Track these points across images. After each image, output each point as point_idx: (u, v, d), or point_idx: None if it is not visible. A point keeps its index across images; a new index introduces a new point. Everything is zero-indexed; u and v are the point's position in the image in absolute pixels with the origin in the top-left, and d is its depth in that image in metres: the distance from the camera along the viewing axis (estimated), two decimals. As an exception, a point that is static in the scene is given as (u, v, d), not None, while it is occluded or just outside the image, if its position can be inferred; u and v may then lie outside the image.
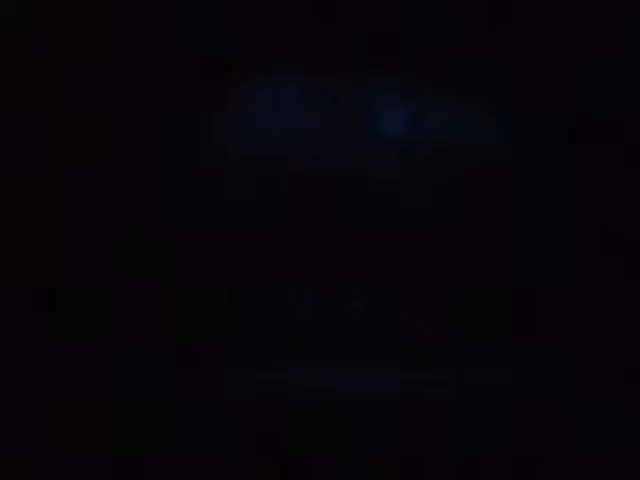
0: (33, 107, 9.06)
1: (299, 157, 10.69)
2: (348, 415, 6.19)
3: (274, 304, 10.49)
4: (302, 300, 10.40)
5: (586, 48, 8.92)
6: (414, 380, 8.57)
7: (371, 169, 10.72)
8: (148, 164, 10.23)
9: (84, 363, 8.60)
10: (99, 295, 9.20)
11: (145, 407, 6.68)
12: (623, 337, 8.92)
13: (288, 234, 10.76)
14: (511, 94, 10.04)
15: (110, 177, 9.72)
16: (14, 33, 8.77)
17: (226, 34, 9.23)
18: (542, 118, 9.94)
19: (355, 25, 8.99)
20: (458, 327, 10.05)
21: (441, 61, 9.81)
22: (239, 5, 8.97)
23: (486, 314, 10.12)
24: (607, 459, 5.13)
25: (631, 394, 7.12)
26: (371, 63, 10.04)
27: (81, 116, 9.41)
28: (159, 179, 10.26)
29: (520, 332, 9.92)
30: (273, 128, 10.88)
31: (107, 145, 9.66)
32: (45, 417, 6.29)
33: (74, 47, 9.06)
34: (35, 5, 8.74)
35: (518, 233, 10.33)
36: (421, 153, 10.64)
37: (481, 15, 8.83)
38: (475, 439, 5.58)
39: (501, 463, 5.14)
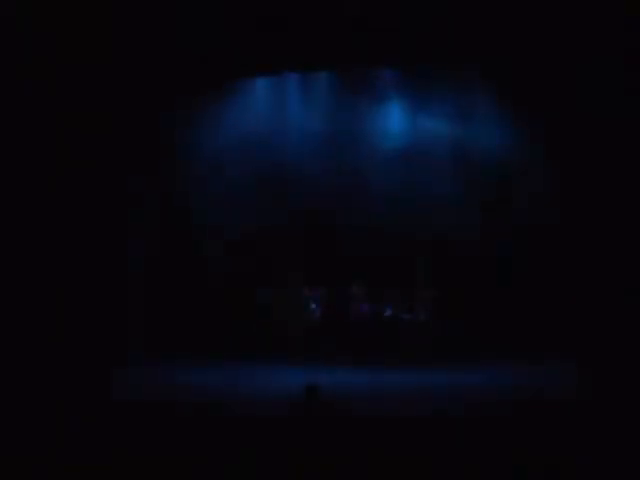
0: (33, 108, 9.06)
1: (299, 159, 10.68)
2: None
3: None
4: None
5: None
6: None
7: (373, 172, 10.70)
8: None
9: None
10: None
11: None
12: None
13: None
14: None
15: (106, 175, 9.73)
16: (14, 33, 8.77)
17: (225, 35, 9.22)
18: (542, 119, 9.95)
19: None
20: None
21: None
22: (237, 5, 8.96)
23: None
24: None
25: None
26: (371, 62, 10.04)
27: (82, 115, 9.41)
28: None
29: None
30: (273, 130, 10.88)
31: (106, 143, 9.66)
32: None
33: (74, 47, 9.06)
34: (35, 5, 8.73)
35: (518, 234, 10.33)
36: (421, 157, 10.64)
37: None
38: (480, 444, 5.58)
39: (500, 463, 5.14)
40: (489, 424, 5.95)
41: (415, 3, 8.81)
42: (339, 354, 10.06)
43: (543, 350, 9.74)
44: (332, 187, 10.69)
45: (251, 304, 10.60)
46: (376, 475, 5.07)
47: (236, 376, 9.02)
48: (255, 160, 10.72)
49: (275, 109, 10.94)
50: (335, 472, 4.88)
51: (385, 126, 10.83)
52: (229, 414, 6.48)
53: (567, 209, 10.11)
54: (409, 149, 10.70)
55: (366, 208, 10.60)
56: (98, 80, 9.33)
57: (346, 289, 10.44)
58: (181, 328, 10.32)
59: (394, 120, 10.83)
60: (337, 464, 4.92)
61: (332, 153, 10.71)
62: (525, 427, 5.84)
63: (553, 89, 9.52)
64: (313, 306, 10.39)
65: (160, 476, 5.13)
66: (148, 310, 10.43)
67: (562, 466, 5.06)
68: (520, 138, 10.28)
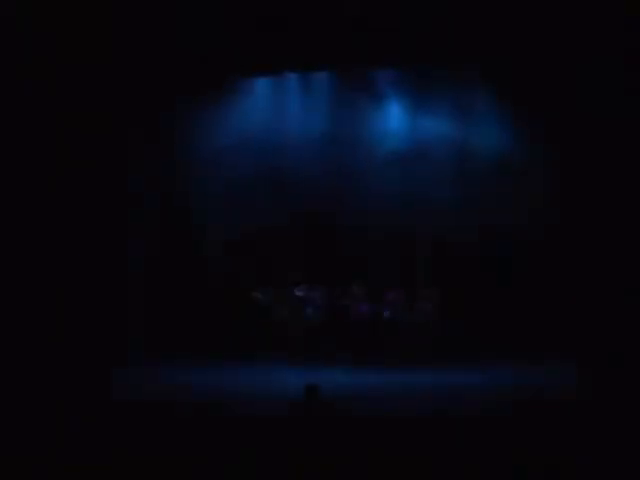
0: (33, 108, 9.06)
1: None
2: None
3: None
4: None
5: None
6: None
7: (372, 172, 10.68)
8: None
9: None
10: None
11: None
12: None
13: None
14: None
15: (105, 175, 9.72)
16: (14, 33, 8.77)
17: (225, 34, 9.21)
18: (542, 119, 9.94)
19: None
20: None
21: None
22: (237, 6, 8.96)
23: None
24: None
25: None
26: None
27: (82, 115, 9.40)
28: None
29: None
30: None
31: (106, 143, 9.65)
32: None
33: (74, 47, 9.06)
34: (35, 5, 8.72)
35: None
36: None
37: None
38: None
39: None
40: (489, 424, 5.95)
41: (415, 3, 8.81)
42: (339, 354, 10.05)
43: (543, 350, 9.75)
44: (332, 187, 10.68)
45: (251, 304, 10.59)
46: (376, 475, 5.07)
47: (236, 376, 9.02)
48: (255, 160, 10.71)
49: (275, 109, 10.93)
50: (335, 472, 4.88)
51: (385, 126, 10.82)
52: (229, 414, 6.49)
53: (567, 209, 10.12)
54: (409, 149, 10.68)
55: (366, 208, 10.58)
56: (98, 80, 9.32)
57: (346, 289, 10.44)
58: (181, 328, 10.32)
59: (394, 120, 10.82)
60: (337, 464, 4.92)
61: (332, 153, 10.70)
62: (525, 427, 5.84)
63: (553, 89, 9.51)
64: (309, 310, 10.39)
65: (160, 476, 5.13)
66: (148, 310, 10.42)
67: (562, 466, 5.07)
68: (520, 138, 10.27)
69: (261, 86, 10.90)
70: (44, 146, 9.22)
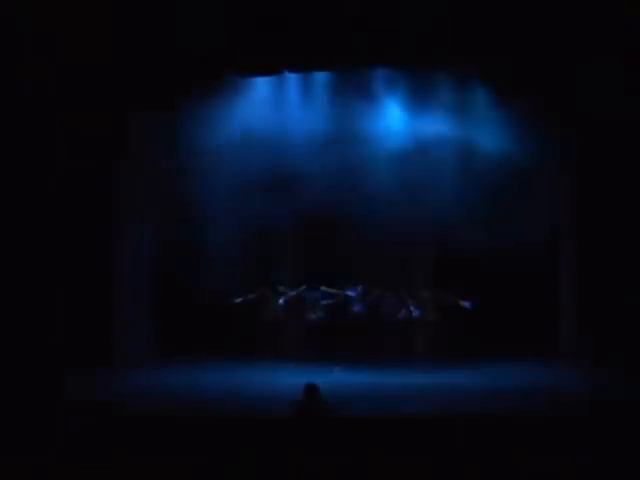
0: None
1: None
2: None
3: None
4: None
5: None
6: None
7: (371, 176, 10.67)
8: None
9: None
10: None
11: None
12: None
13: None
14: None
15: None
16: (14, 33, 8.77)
17: (224, 34, 9.21)
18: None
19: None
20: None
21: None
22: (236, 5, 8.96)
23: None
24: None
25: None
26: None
27: (82, 115, 9.40)
28: None
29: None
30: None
31: (106, 143, 9.65)
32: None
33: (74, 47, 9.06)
34: (35, 5, 8.72)
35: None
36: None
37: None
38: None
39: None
40: (489, 424, 5.95)
41: (415, 3, 8.81)
42: (339, 354, 10.04)
43: (543, 350, 9.76)
44: (332, 187, 10.66)
45: (250, 304, 10.59)
46: (376, 475, 5.08)
47: (236, 376, 9.02)
48: (255, 161, 10.69)
49: (275, 109, 10.92)
50: (335, 472, 4.88)
51: (385, 126, 10.80)
52: (229, 414, 6.49)
53: (568, 209, 10.13)
54: (409, 149, 10.66)
55: (366, 208, 10.57)
56: (98, 80, 9.32)
57: (345, 289, 10.44)
58: (181, 328, 10.32)
59: (394, 120, 10.80)
60: (337, 464, 4.93)
61: (332, 153, 10.67)
62: (526, 427, 5.84)
63: (553, 89, 9.51)
64: (280, 301, 10.40)
65: (160, 476, 5.14)
66: (148, 310, 10.43)
67: (562, 466, 5.07)
68: (520, 138, 10.26)
69: (261, 86, 10.89)
70: (44, 146, 9.23)
